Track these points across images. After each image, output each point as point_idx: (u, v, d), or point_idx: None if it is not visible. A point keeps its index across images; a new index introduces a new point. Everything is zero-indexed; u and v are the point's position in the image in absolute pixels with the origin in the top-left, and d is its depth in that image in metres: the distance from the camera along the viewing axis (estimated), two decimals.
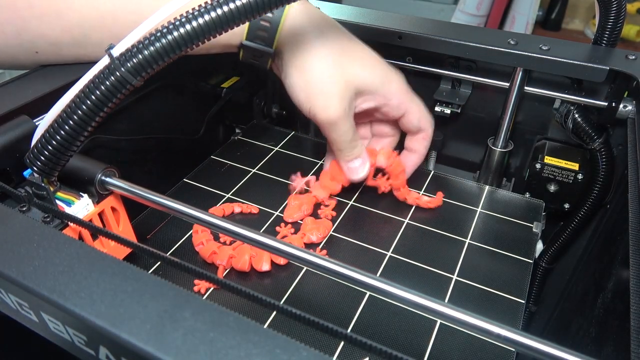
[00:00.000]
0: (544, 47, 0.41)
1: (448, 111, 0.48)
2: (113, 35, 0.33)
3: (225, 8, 0.23)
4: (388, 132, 0.43)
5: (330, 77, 0.35)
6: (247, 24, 0.34)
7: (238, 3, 0.23)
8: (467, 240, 0.40)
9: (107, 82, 0.23)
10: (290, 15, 0.34)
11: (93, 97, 0.23)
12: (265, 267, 0.37)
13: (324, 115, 0.36)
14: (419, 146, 0.42)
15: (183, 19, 0.23)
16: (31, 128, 0.31)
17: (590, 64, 0.39)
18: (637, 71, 0.38)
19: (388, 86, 0.38)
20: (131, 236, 0.33)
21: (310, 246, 0.40)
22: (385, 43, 0.46)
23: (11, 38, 0.33)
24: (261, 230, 0.36)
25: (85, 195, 0.28)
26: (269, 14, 0.34)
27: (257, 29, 0.34)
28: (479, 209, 0.44)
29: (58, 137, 0.24)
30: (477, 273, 0.37)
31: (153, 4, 0.33)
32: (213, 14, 0.23)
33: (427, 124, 0.41)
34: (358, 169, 0.40)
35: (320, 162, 0.49)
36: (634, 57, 0.40)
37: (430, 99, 0.48)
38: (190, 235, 0.40)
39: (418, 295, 0.21)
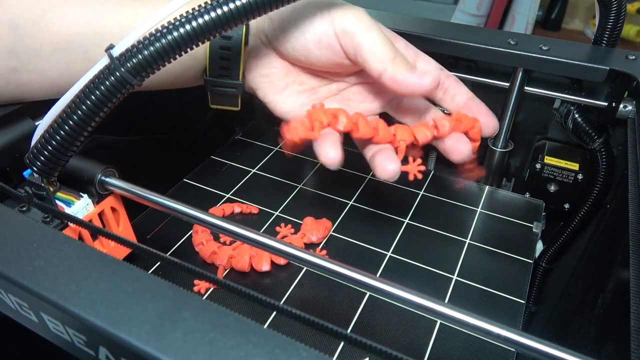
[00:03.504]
0: (544, 47, 0.41)
1: None
2: (54, 44, 0.29)
3: (225, 8, 0.23)
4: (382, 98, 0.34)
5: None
6: None
7: (238, 3, 0.23)
8: (467, 240, 0.40)
9: (107, 82, 0.23)
10: None
11: (93, 97, 0.23)
12: (265, 267, 0.37)
13: (355, 10, 0.29)
14: (464, 91, 0.33)
15: (183, 19, 0.23)
16: (31, 128, 0.31)
17: (590, 64, 0.39)
18: (637, 71, 0.38)
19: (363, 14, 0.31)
20: (131, 236, 0.33)
21: (310, 246, 0.40)
22: None
23: None
24: (261, 230, 0.36)
25: (85, 196, 0.28)
26: None
27: None
28: (479, 209, 0.44)
29: (58, 137, 0.24)
30: (477, 273, 0.37)
31: (105, 18, 0.29)
32: (213, 14, 0.23)
33: (441, 66, 0.34)
34: (426, 75, 0.28)
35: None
36: (634, 57, 0.40)
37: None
38: (190, 235, 0.40)
39: (418, 295, 0.21)
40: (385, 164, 0.30)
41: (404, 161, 0.31)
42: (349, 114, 0.30)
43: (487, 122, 0.33)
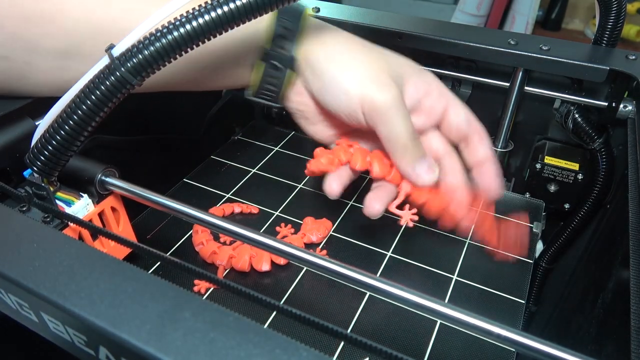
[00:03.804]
0: (544, 47, 0.41)
1: None
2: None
3: (226, 8, 0.23)
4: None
5: (373, 57, 0.32)
6: (268, 27, 0.32)
7: (238, 3, 0.23)
8: (467, 240, 0.40)
9: (107, 82, 0.23)
10: (310, 20, 0.33)
11: (93, 97, 0.23)
12: (265, 267, 0.37)
13: (382, 96, 0.30)
14: (483, 150, 0.34)
15: (183, 19, 0.23)
16: (31, 128, 0.31)
17: (590, 64, 0.39)
18: (637, 71, 0.38)
19: (424, 72, 0.34)
20: (131, 236, 0.33)
21: (310, 246, 0.40)
22: (385, 43, 0.46)
23: None
24: (261, 230, 0.36)
25: (85, 195, 0.28)
26: (287, 22, 0.32)
27: (279, 37, 0.32)
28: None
29: (58, 137, 0.24)
30: (477, 273, 0.37)
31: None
32: (213, 14, 0.23)
33: (474, 119, 0.34)
34: (429, 171, 0.32)
35: None
36: (634, 57, 0.40)
37: None
38: (190, 235, 0.40)
39: (418, 295, 0.21)
40: (372, 203, 0.33)
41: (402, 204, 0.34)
42: (366, 154, 0.34)
43: (490, 187, 0.34)
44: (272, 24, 0.32)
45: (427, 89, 0.33)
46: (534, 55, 0.40)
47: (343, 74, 0.31)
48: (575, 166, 0.46)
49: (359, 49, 0.33)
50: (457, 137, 0.34)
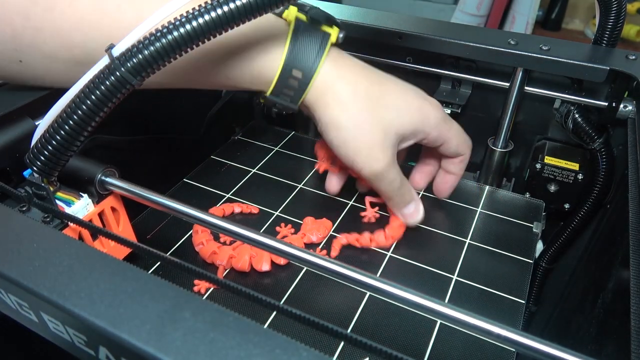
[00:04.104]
0: (544, 47, 0.41)
1: (448, 111, 0.48)
2: None
3: (226, 8, 0.23)
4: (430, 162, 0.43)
5: (369, 130, 0.34)
6: (275, 78, 0.32)
7: (238, 3, 0.23)
8: (467, 240, 0.40)
9: (107, 82, 0.23)
10: (321, 74, 0.33)
11: (93, 97, 0.23)
12: (265, 267, 0.37)
13: (369, 169, 0.35)
14: (455, 169, 0.41)
15: (183, 19, 0.23)
16: (31, 128, 0.31)
17: (590, 64, 0.39)
18: (637, 71, 0.38)
19: (427, 122, 0.36)
20: (131, 236, 0.33)
21: (310, 246, 0.40)
22: (385, 43, 0.46)
23: None
24: (261, 230, 0.36)
25: (85, 195, 0.28)
26: (298, 73, 0.32)
27: (284, 87, 0.33)
28: (479, 209, 0.44)
29: (58, 137, 0.24)
30: (477, 273, 0.37)
31: None
32: (213, 14, 0.23)
33: (465, 148, 0.39)
34: (413, 214, 0.39)
35: None
36: (634, 57, 0.40)
37: None
38: (190, 235, 0.40)
39: (418, 295, 0.21)
40: (362, 184, 0.42)
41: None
42: None
43: (442, 190, 0.43)
44: (281, 67, 0.32)
45: (425, 137, 0.37)
46: (534, 55, 0.40)
47: (340, 144, 0.34)
48: (575, 166, 0.46)
49: (363, 109, 0.34)
50: (445, 157, 0.41)
